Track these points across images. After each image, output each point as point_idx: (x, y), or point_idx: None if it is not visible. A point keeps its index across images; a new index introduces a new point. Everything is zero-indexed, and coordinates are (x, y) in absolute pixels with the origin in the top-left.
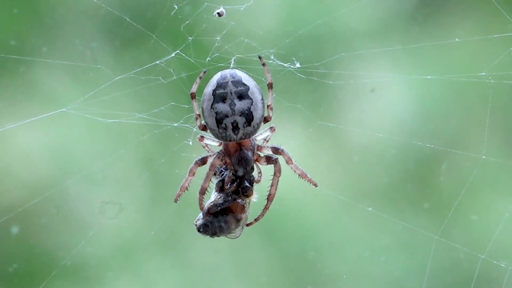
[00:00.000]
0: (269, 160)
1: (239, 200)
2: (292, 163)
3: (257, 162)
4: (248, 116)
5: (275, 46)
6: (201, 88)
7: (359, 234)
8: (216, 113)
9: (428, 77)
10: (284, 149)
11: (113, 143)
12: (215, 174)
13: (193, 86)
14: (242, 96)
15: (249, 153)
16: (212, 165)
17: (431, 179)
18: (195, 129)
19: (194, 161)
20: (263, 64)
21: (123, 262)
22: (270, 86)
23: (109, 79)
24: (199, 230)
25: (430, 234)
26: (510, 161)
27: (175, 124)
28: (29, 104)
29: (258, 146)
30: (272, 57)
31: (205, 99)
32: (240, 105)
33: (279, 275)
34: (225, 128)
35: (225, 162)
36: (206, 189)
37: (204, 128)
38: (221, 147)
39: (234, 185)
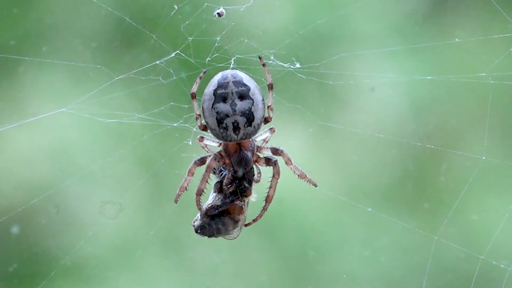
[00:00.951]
0: (268, 161)
1: (237, 202)
2: (292, 164)
3: (256, 163)
4: (249, 117)
5: (275, 47)
6: (201, 88)
7: (359, 234)
8: (217, 112)
9: (428, 77)
10: (284, 150)
11: (113, 143)
12: (214, 173)
13: (193, 86)
14: (243, 96)
15: (249, 154)
16: (208, 167)
17: (431, 180)
18: (194, 129)
19: (193, 161)
20: (263, 65)
21: (123, 262)
22: (270, 86)
23: (109, 79)
24: (196, 231)
25: (429, 234)
26: (510, 162)
27: (175, 124)
28: (29, 104)
29: (257, 147)
30: (272, 58)
31: (205, 99)
32: (241, 105)
33: (279, 275)
34: (226, 128)
35: (224, 163)
36: (203, 191)
37: (204, 128)
38: (220, 148)
39: (233, 186)
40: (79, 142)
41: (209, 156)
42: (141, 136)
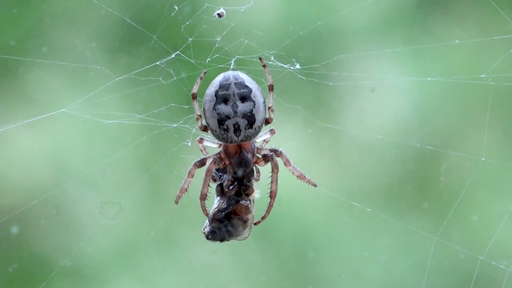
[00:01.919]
0: (265, 158)
1: (242, 201)
2: (290, 165)
3: (256, 164)
4: (250, 119)
5: (276, 47)
6: (202, 89)
7: (358, 234)
8: (218, 114)
9: (428, 79)
10: (282, 151)
11: (113, 143)
12: (214, 180)
13: (194, 87)
14: (244, 98)
15: (249, 155)
16: (208, 170)
17: (431, 180)
18: (194, 130)
19: (193, 163)
20: (264, 66)
21: (123, 263)
22: (271, 88)
23: (109, 79)
24: (207, 238)
25: (429, 234)
26: (510, 163)
27: (174, 125)
28: (29, 104)
29: (257, 148)
30: (272, 58)
31: (207, 100)
32: (242, 107)
33: (278, 275)
34: (227, 130)
35: (224, 164)
36: (206, 195)
37: (205, 129)
38: (220, 149)
39: (235, 186)
40: (79, 143)
41: (209, 157)
42: (141, 136)
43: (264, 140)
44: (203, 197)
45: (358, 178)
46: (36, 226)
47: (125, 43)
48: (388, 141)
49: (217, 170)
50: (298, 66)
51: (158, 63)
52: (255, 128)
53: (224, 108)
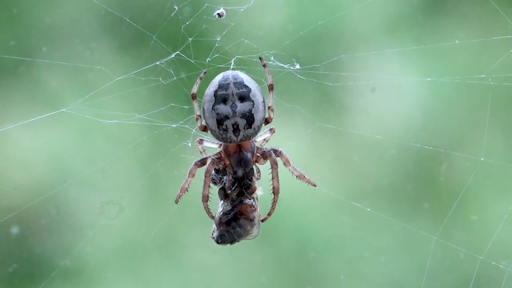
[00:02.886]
0: (264, 155)
1: (247, 201)
2: (290, 165)
3: (256, 163)
4: (249, 118)
5: (276, 47)
6: (201, 89)
7: (358, 234)
8: (217, 114)
9: (428, 79)
10: (282, 151)
11: (113, 144)
12: (215, 183)
13: (194, 87)
14: (243, 98)
15: (249, 155)
16: (207, 171)
17: (431, 180)
18: (194, 130)
19: (194, 162)
20: (264, 65)
21: (123, 263)
22: (271, 87)
23: (109, 79)
24: (217, 242)
25: (429, 234)
26: (509, 163)
27: (174, 125)
28: (29, 104)
29: (257, 147)
30: (272, 58)
31: (206, 100)
32: (241, 107)
33: (278, 275)
34: (226, 130)
35: (224, 164)
36: (208, 196)
37: (204, 129)
38: (220, 149)
39: (236, 187)
40: (79, 143)
41: (209, 157)
42: (141, 137)
43: (264, 139)
44: (205, 198)
45: (358, 178)
46: (36, 226)
47: (125, 43)
48: (388, 141)
49: (217, 171)
50: (298, 66)
51: (158, 63)
52: (254, 128)
53: (223, 108)
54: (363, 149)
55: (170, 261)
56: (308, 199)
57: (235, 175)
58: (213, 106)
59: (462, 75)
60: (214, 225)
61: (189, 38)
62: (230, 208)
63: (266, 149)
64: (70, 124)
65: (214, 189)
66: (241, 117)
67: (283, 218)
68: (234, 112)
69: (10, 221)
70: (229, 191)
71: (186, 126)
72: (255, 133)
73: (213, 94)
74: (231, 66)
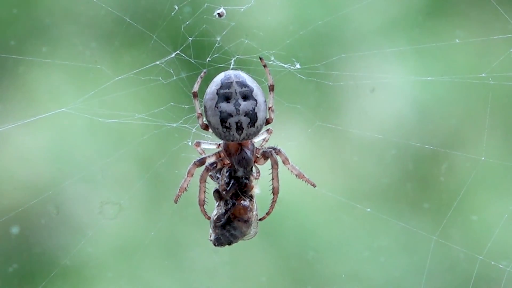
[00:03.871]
0: (265, 155)
1: (241, 203)
2: (289, 164)
3: (255, 163)
4: (253, 117)
5: (276, 47)
6: (201, 88)
7: (358, 234)
8: (221, 112)
9: (428, 78)
10: (281, 149)
11: (113, 143)
12: (213, 179)
13: (195, 86)
14: (246, 96)
15: (249, 154)
16: (201, 177)
17: (431, 180)
18: (194, 130)
19: (193, 162)
20: (264, 65)
21: (123, 263)
22: (271, 87)
23: (109, 79)
24: (215, 245)
25: (428, 234)
26: (509, 162)
27: (174, 125)
28: (29, 104)
29: (256, 148)
30: (272, 58)
31: (208, 98)
32: (245, 105)
33: (278, 275)
34: (229, 128)
35: (223, 164)
36: (204, 200)
37: (206, 127)
38: (219, 149)
39: (231, 188)
40: (79, 143)
41: (208, 157)
42: (141, 136)
43: (264, 140)
44: (201, 203)
45: (357, 178)
46: (36, 226)
47: (125, 43)
48: (388, 141)
49: (216, 171)
50: (298, 66)
51: (158, 62)
52: (257, 127)
53: (227, 106)
54: (363, 149)
55: (170, 261)
56: (308, 199)
57: (236, 175)
58: (216, 104)
59: (462, 75)
60: (210, 228)
61: (189, 38)
62: (223, 211)
63: (266, 149)
64: (70, 123)
65: (211, 192)
66: (244, 115)
67: (283, 218)
68: (238, 110)
69: (10, 220)
70: (223, 193)
71: (186, 125)
72: (257, 132)
73: (215, 93)
74: (231, 66)
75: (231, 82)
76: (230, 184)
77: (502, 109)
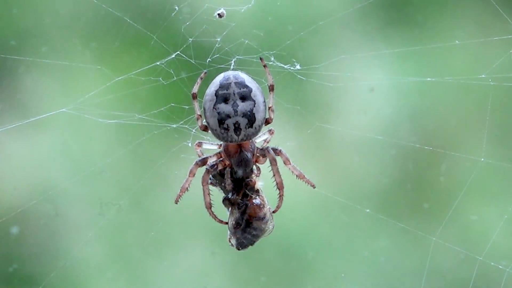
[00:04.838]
0: (262, 154)
1: (253, 201)
2: (290, 164)
3: (256, 163)
4: (251, 118)
5: (276, 48)
6: (201, 89)
7: (358, 235)
8: (219, 113)
9: (428, 79)
10: (282, 150)
11: (112, 144)
12: (214, 185)
13: (195, 87)
14: (244, 97)
15: (249, 155)
16: (203, 180)
17: (430, 181)
18: (194, 131)
19: (194, 162)
20: (265, 66)
21: (123, 263)
22: (271, 88)
23: (109, 79)
24: (238, 249)
25: (428, 235)
26: (509, 164)
27: (175, 126)
28: (29, 104)
29: (257, 148)
30: (272, 59)
31: (207, 99)
32: (242, 106)
33: (278, 275)
34: (227, 129)
35: (224, 165)
36: (210, 202)
37: (205, 128)
38: (219, 150)
39: (237, 192)
40: (79, 143)
41: (210, 157)
42: (141, 137)
43: (264, 140)
44: (208, 205)
45: (357, 178)
46: (36, 226)
47: (125, 43)
48: (387, 142)
49: (213, 176)
50: (298, 67)
51: (158, 63)
52: (255, 127)
53: (225, 107)
54: (362, 150)
55: (170, 261)
56: (309, 199)
57: (236, 175)
58: (214, 105)
59: (462, 75)
60: (228, 232)
61: (190, 39)
62: (239, 215)
63: (265, 147)
64: (70, 124)
65: (216, 194)
66: (242, 116)
67: (283, 218)
68: (236, 111)
69: (10, 221)
70: (232, 197)
71: (186, 126)
72: (256, 132)
73: (214, 94)
74: (231, 67)
75: (230, 83)
76: (236, 188)
77: (502, 109)
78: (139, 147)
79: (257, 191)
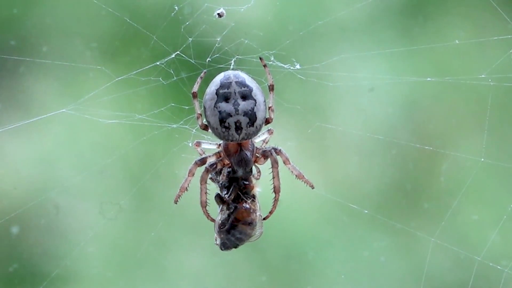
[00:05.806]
0: (265, 154)
1: (243, 205)
2: (290, 164)
3: (256, 163)
4: (252, 117)
5: (276, 47)
6: (202, 88)
7: (358, 235)
8: (220, 112)
9: (428, 79)
10: (282, 150)
11: (113, 144)
12: (213, 180)
13: (195, 86)
14: (245, 96)
15: (249, 154)
16: (202, 179)
17: (429, 181)
18: (194, 130)
19: (194, 162)
20: (265, 66)
21: (123, 263)
22: (271, 87)
23: (109, 79)
24: (221, 249)
25: (427, 236)
26: (508, 164)
27: (175, 126)
28: (29, 104)
29: (256, 148)
30: (272, 58)
31: (207, 98)
32: (243, 105)
33: (278, 275)
34: (228, 128)
35: (223, 164)
36: (206, 202)
37: (205, 127)
38: (219, 149)
39: (233, 190)
40: (79, 143)
41: (209, 156)
42: (141, 137)
43: (263, 141)
44: (203, 204)
45: (357, 178)
46: (36, 226)
47: (125, 43)
48: (387, 142)
49: (215, 173)
50: (298, 66)
51: (158, 63)
52: (256, 126)
53: (226, 106)
54: (362, 150)
55: (170, 261)
56: (308, 199)
57: (235, 175)
58: (215, 104)
59: (462, 75)
60: (215, 233)
61: (189, 38)
62: (226, 216)
63: (266, 148)
64: (70, 124)
65: (214, 193)
66: (243, 115)
67: (282, 218)
68: (237, 110)
69: (11, 221)
70: (225, 195)
71: (187, 126)
72: (257, 131)
73: (215, 93)
74: (231, 66)
75: (230, 82)
76: (231, 188)
77: (502, 109)
78: (140, 147)
79: (253, 196)
